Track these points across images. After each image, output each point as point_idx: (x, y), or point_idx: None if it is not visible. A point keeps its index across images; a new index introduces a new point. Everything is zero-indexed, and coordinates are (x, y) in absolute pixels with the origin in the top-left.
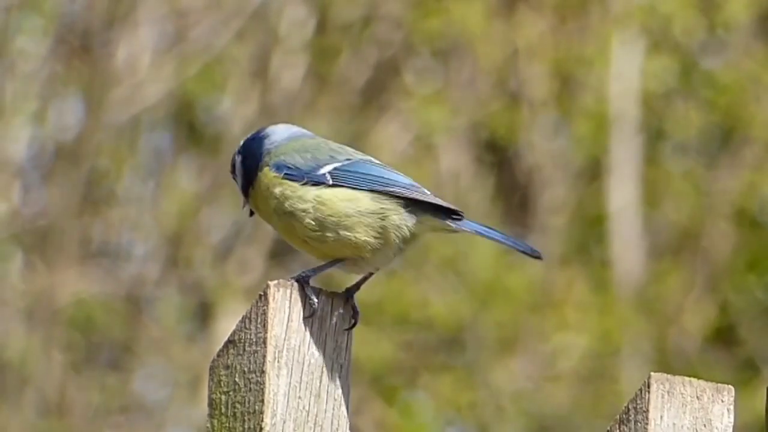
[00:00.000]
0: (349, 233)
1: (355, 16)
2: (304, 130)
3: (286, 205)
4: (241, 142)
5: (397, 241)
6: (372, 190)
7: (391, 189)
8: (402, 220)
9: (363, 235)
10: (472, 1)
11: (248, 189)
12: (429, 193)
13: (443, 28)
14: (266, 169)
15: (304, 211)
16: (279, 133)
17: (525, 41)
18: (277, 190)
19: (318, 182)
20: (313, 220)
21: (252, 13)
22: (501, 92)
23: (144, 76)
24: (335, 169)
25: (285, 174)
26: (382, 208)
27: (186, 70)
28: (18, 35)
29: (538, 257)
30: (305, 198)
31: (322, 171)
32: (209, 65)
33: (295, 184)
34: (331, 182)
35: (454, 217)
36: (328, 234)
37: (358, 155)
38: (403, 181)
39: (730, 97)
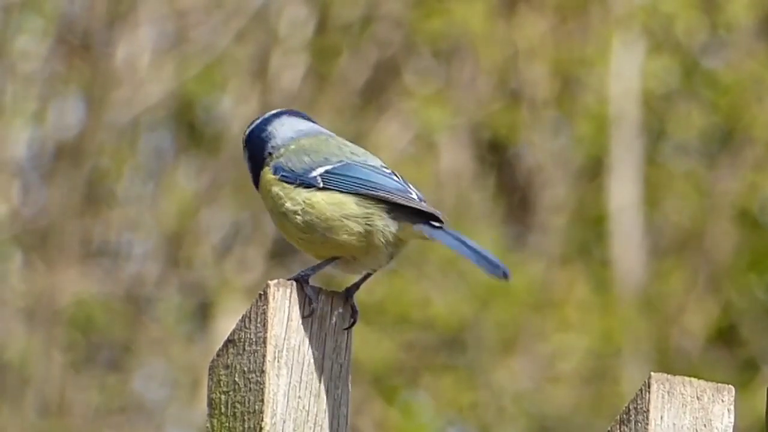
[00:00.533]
0: (334, 236)
1: (355, 16)
2: (314, 125)
3: (279, 205)
4: (247, 133)
5: (382, 244)
6: (357, 194)
7: (376, 193)
8: (386, 224)
9: (348, 238)
10: (473, 2)
11: (257, 180)
12: (416, 197)
13: (444, 28)
14: (266, 168)
15: (294, 212)
16: (283, 132)
17: (526, 41)
18: (274, 190)
19: (309, 185)
20: (302, 222)
21: (252, 13)
22: (502, 92)
23: (144, 76)
24: (326, 172)
25: (281, 176)
26: (367, 212)
27: (186, 70)
28: (18, 36)
29: (504, 278)
30: (296, 200)
31: (314, 174)
32: (209, 65)
33: (289, 186)
34: (321, 185)
35: (434, 224)
36: (316, 236)
37: (357, 156)
38: (390, 185)
39: (732, 97)
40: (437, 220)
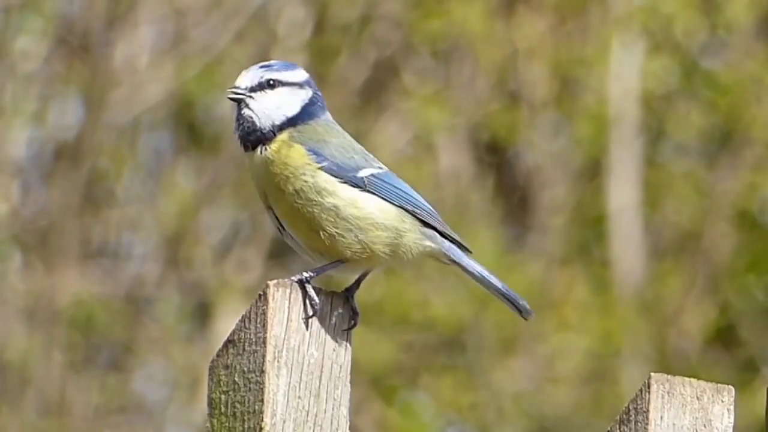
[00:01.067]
0: (367, 240)
1: (354, 16)
2: (322, 108)
3: (315, 194)
4: (298, 81)
5: (405, 258)
6: (402, 207)
7: (418, 211)
8: (415, 242)
9: (379, 246)
10: (471, 2)
11: (254, 142)
12: (442, 221)
13: (443, 28)
14: (298, 146)
15: (334, 206)
16: (298, 102)
17: (525, 42)
18: (308, 177)
19: (355, 184)
20: (339, 218)
21: (251, 13)
22: (501, 93)
23: (144, 76)
24: (372, 175)
25: (324, 166)
26: (403, 226)
27: (186, 70)
28: (18, 36)
29: (525, 318)
30: (340, 195)
31: (360, 174)
32: (209, 65)
33: (333, 179)
34: (366, 187)
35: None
36: (347, 235)
37: (383, 165)
38: (427, 205)
39: (731, 97)
40: (463, 248)
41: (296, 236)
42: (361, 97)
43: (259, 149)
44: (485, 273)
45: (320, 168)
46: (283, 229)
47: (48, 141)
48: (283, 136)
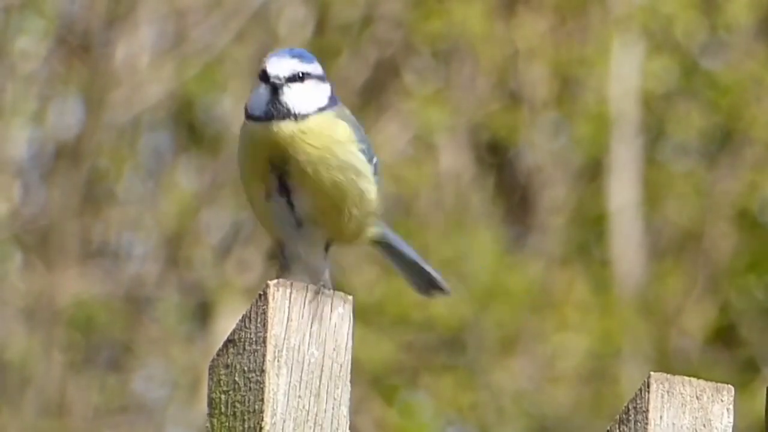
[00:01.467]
0: (364, 226)
1: (355, 16)
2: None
3: (353, 174)
4: (305, 66)
5: (358, 243)
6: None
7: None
8: (375, 229)
9: (365, 232)
10: (472, 2)
11: (281, 109)
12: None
13: (443, 28)
14: (344, 123)
15: (365, 190)
16: (325, 93)
17: (525, 42)
18: (349, 157)
19: (375, 170)
20: (363, 201)
21: (252, 13)
22: (501, 93)
23: (144, 76)
24: (376, 163)
25: (363, 148)
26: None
27: (186, 70)
28: (18, 36)
29: (427, 295)
30: (369, 180)
31: (375, 159)
32: (209, 65)
33: (367, 163)
34: (376, 174)
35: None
36: (358, 218)
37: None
38: None
39: (731, 97)
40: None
41: (308, 208)
42: (361, 97)
43: (290, 118)
44: (397, 242)
45: (360, 150)
46: (281, 196)
47: (48, 141)
48: (326, 113)
